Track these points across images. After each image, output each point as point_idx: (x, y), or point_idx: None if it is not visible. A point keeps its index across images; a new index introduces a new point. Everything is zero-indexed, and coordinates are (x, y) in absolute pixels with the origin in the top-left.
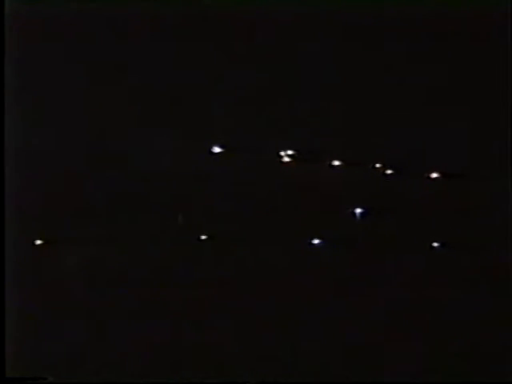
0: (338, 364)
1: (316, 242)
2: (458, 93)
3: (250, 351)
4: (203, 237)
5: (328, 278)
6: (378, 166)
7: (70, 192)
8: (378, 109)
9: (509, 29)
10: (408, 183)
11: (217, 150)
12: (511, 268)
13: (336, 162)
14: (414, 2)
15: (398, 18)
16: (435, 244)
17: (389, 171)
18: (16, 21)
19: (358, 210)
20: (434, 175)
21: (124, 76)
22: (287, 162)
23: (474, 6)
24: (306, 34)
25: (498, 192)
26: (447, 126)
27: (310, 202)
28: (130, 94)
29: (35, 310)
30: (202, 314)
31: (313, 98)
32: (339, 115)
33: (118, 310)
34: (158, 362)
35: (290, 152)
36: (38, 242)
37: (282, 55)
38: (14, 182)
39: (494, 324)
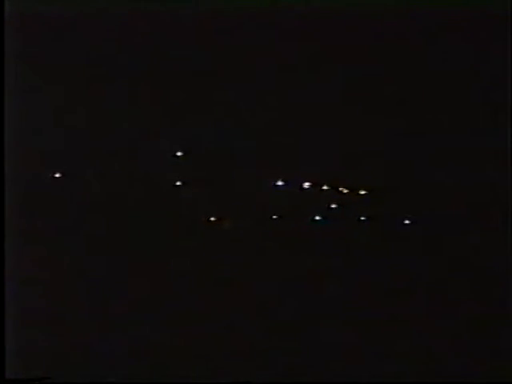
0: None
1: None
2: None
3: (250, 350)
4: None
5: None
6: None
7: None
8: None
9: (509, 29)
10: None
11: (280, 183)
12: None
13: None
14: (414, 3)
15: (396, 20)
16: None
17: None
18: (16, 21)
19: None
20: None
21: (121, 75)
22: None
23: (474, 6)
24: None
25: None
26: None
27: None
28: (127, 94)
29: (35, 310)
30: (203, 314)
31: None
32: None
33: (118, 310)
34: (158, 361)
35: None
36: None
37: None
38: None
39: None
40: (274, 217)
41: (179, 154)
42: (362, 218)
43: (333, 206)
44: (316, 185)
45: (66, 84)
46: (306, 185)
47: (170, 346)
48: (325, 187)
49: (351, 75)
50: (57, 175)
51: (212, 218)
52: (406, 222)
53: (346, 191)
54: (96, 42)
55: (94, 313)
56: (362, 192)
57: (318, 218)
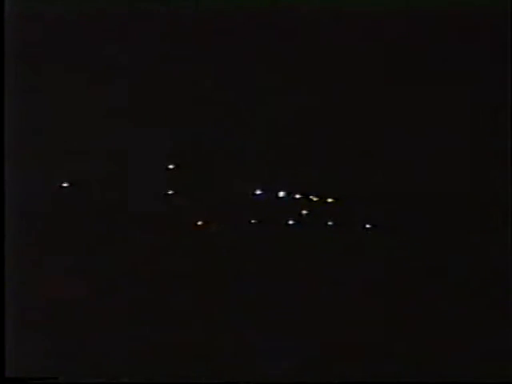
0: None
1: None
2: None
3: (250, 350)
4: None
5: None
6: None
7: None
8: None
9: (509, 29)
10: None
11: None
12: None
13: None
14: (414, 3)
15: (395, 20)
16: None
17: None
18: (16, 21)
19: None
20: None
21: (119, 76)
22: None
23: (474, 6)
24: None
25: None
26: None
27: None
28: (128, 96)
29: (35, 310)
30: (202, 314)
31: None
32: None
33: (118, 311)
34: (157, 361)
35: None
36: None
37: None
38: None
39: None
40: (253, 221)
41: (171, 166)
42: (329, 223)
43: (304, 212)
44: (289, 193)
45: (66, 84)
46: (281, 194)
47: (170, 346)
48: (297, 196)
49: (342, 84)
50: (65, 184)
51: (199, 223)
52: (367, 225)
53: (315, 199)
54: (96, 42)
55: (95, 312)
56: (329, 200)
57: (291, 222)
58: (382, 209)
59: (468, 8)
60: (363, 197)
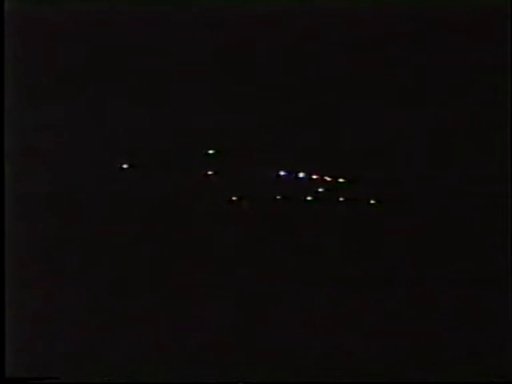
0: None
1: None
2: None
3: (249, 349)
4: None
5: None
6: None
7: None
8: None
9: (509, 29)
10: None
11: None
12: None
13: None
14: (415, 2)
15: (396, 19)
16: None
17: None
18: (16, 21)
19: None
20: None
21: (119, 75)
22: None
23: (474, 5)
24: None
25: None
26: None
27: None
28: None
29: (35, 310)
30: (202, 314)
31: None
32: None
33: (118, 311)
34: (157, 361)
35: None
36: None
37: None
38: None
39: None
40: (278, 197)
41: (211, 151)
42: (341, 199)
43: (320, 190)
44: (308, 174)
45: (66, 85)
46: (301, 174)
47: (170, 345)
48: (314, 176)
49: (352, 71)
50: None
51: (234, 198)
52: (372, 201)
53: (329, 179)
54: (97, 42)
55: (95, 312)
56: (341, 180)
57: (309, 198)
58: (385, 188)
59: (468, 8)
60: (369, 178)
